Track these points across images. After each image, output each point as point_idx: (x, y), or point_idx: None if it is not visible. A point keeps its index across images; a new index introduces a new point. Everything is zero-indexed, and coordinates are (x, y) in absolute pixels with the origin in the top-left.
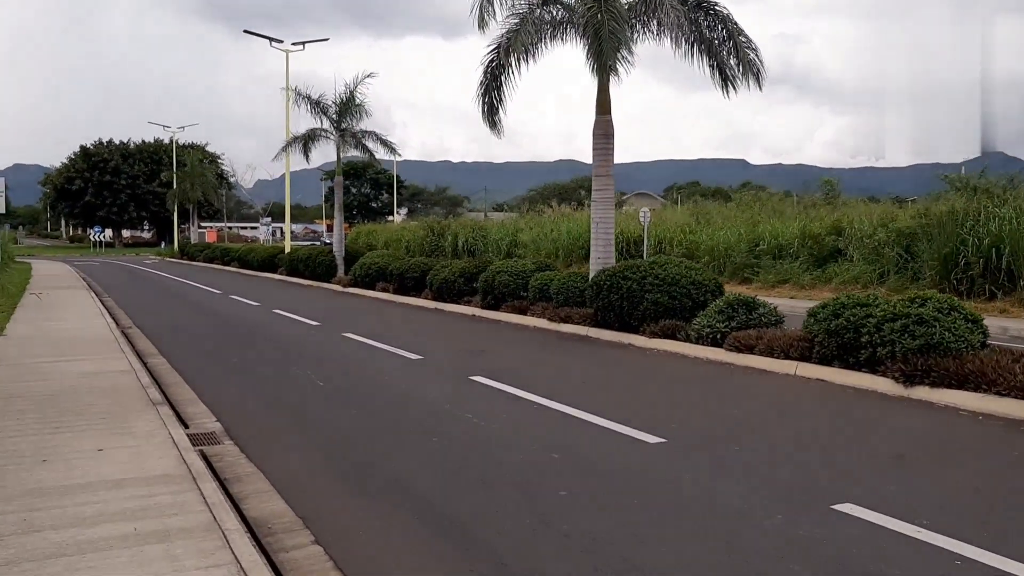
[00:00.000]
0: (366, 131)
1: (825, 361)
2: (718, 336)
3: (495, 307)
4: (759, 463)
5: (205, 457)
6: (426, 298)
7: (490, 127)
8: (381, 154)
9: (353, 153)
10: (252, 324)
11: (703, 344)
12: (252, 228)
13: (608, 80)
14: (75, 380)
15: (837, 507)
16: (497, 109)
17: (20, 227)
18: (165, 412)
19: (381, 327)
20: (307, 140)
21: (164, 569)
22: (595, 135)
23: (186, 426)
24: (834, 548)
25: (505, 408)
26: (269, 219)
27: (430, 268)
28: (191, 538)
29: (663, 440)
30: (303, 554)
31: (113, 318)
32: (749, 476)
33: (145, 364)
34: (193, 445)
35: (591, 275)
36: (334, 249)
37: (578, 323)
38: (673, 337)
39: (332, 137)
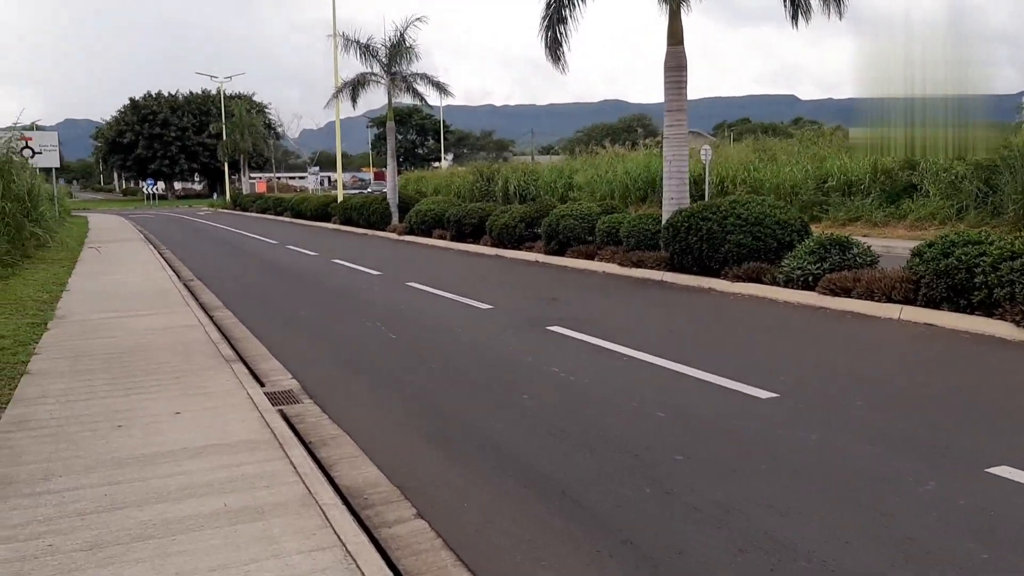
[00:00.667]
0: (417, 74)
1: (933, 304)
2: (810, 279)
3: (559, 252)
4: (889, 420)
5: (286, 418)
6: (485, 244)
7: (553, 62)
8: (432, 99)
9: (403, 99)
10: (313, 274)
11: (793, 287)
12: (300, 178)
13: (679, 7)
14: (143, 336)
15: (993, 471)
16: (561, 43)
17: (74, 181)
18: (239, 370)
19: (444, 276)
20: (356, 85)
21: (262, 554)
22: (667, 67)
23: (262, 384)
24: (1012, 521)
25: (592, 361)
26: (317, 168)
27: (489, 214)
28: (287, 514)
29: (775, 395)
30: (407, 530)
31: (174, 271)
32: (882, 436)
33: (211, 318)
34: (272, 405)
35: (664, 216)
36: (388, 197)
37: (652, 267)
38: (758, 280)
39: (382, 81)
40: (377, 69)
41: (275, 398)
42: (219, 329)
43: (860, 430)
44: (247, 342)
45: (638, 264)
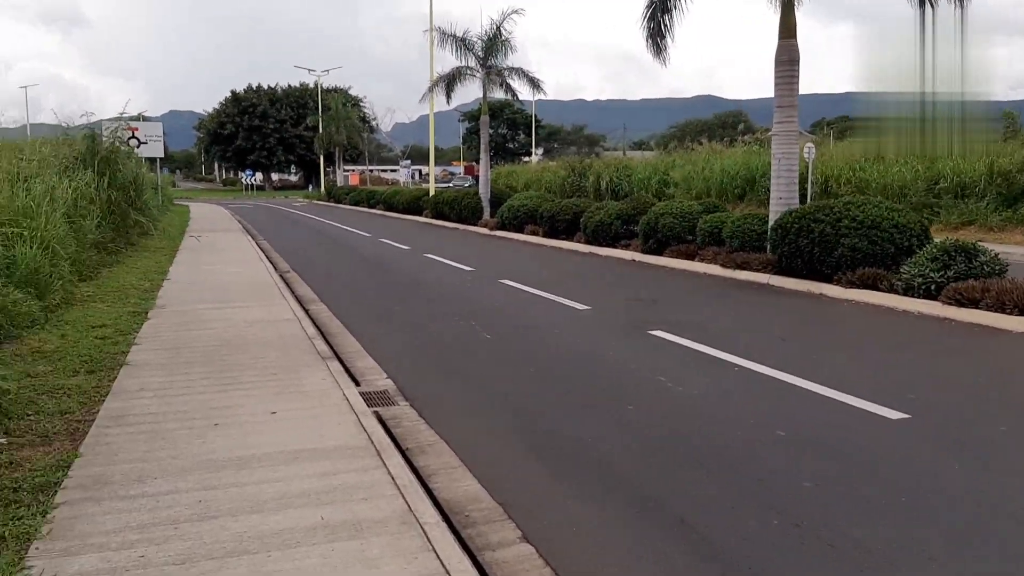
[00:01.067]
0: (512, 68)
1: None
2: (932, 287)
3: (657, 252)
4: None
5: (382, 421)
6: (579, 242)
7: (654, 54)
8: (525, 94)
9: (496, 94)
10: (406, 269)
11: (913, 296)
12: (392, 171)
13: None
14: (240, 329)
15: None
16: (664, 34)
17: (177, 171)
18: (335, 367)
19: (538, 273)
20: (451, 79)
21: None
22: (778, 61)
23: (357, 383)
24: None
25: (700, 370)
26: (408, 161)
27: (583, 210)
28: (386, 533)
29: (906, 416)
30: (512, 555)
31: (271, 262)
32: None
33: (307, 311)
34: (368, 406)
35: (771, 217)
36: (480, 191)
37: (757, 270)
38: (874, 287)
39: (477, 75)
40: (472, 63)
41: (371, 399)
42: (315, 323)
43: (1007, 460)
44: (342, 337)
45: (742, 266)
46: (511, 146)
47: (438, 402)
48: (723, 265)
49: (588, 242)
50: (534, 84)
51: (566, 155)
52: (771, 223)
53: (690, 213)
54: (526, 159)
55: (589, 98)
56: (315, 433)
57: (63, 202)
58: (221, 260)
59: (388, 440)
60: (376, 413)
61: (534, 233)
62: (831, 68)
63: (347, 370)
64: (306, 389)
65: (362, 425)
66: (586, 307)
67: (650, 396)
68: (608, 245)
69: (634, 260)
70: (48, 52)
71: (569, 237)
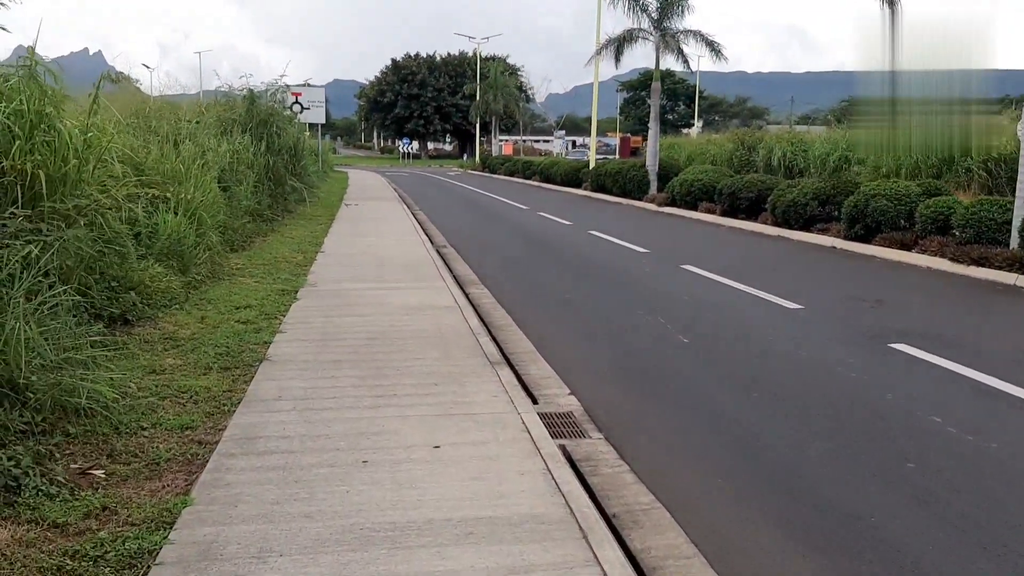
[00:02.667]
0: (689, 31)
1: None
2: None
3: (863, 239)
4: None
5: (574, 464)
6: (764, 223)
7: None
8: (700, 62)
9: (668, 61)
10: (570, 247)
11: None
12: (545, 141)
13: None
14: (396, 317)
15: None
16: None
17: (338, 138)
18: (507, 377)
19: (724, 259)
20: (621, 42)
21: None
22: None
23: (534, 400)
24: None
25: (988, 411)
26: (563, 132)
27: (771, 187)
28: None
29: None
30: None
31: (427, 234)
32: None
33: (468, 296)
34: (552, 436)
35: (1018, 206)
36: (647, 164)
37: (999, 267)
38: None
39: (651, 38)
40: (646, 24)
41: (554, 424)
42: (477, 313)
43: None
44: (509, 332)
45: (979, 262)
46: (670, 117)
47: (638, 435)
48: (952, 259)
49: (776, 224)
50: (713, 48)
51: (729, 128)
52: (1016, 212)
53: (907, 196)
54: (685, 131)
55: (750, 70)
56: (492, 486)
57: (216, 166)
58: (376, 231)
59: (591, 507)
60: (564, 449)
61: (710, 211)
62: None
63: (520, 380)
64: (475, 410)
65: (552, 476)
66: (797, 305)
67: (932, 447)
68: (800, 228)
69: (834, 247)
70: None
71: (751, 217)
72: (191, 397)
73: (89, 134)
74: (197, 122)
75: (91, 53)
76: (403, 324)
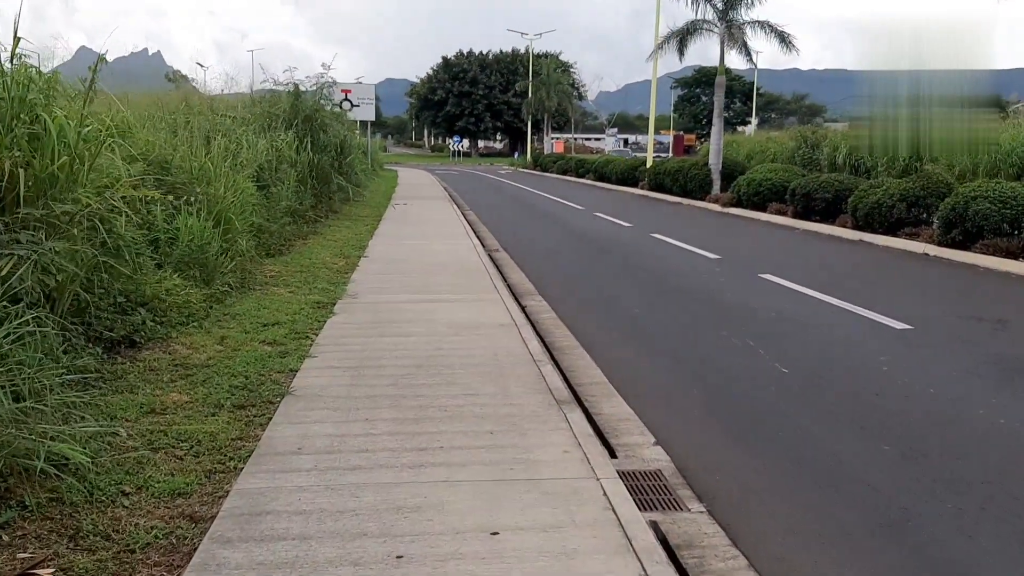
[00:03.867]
0: (758, 22)
1: None
2: None
3: (962, 245)
4: None
5: (672, 555)
6: (843, 226)
7: None
8: (758, 58)
9: (732, 57)
10: (633, 252)
11: None
12: (597, 139)
13: None
14: (444, 338)
15: None
16: None
17: (389, 136)
18: (578, 424)
19: (807, 267)
20: (684, 35)
21: None
22: None
23: (613, 454)
24: None
25: None
26: (615, 130)
27: (850, 188)
28: None
29: None
30: None
31: (478, 237)
32: None
33: (524, 310)
34: (640, 505)
35: None
36: (711, 162)
37: None
38: None
39: (715, 30)
40: (710, 15)
41: (640, 489)
42: (537, 332)
43: None
44: (574, 357)
45: None
46: (727, 114)
47: (752, 504)
48: None
49: (856, 227)
50: (783, 40)
51: (785, 126)
52: None
53: (1014, 198)
54: (741, 128)
55: (804, 67)
56: None
57: (253, 163)
58: (424, 234)
59: None
60: (656, 528)
61: (780, 213)
62: None
63: (593, 423)
64: (542, 472)
65: None
66: (906, 326)
67: None
68: (885, 232)
69: (927, 254)
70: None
71: (827, 220)
72: (191, 448)
73: (87, 128)
74: (233, 118)
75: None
76: (452, 347)
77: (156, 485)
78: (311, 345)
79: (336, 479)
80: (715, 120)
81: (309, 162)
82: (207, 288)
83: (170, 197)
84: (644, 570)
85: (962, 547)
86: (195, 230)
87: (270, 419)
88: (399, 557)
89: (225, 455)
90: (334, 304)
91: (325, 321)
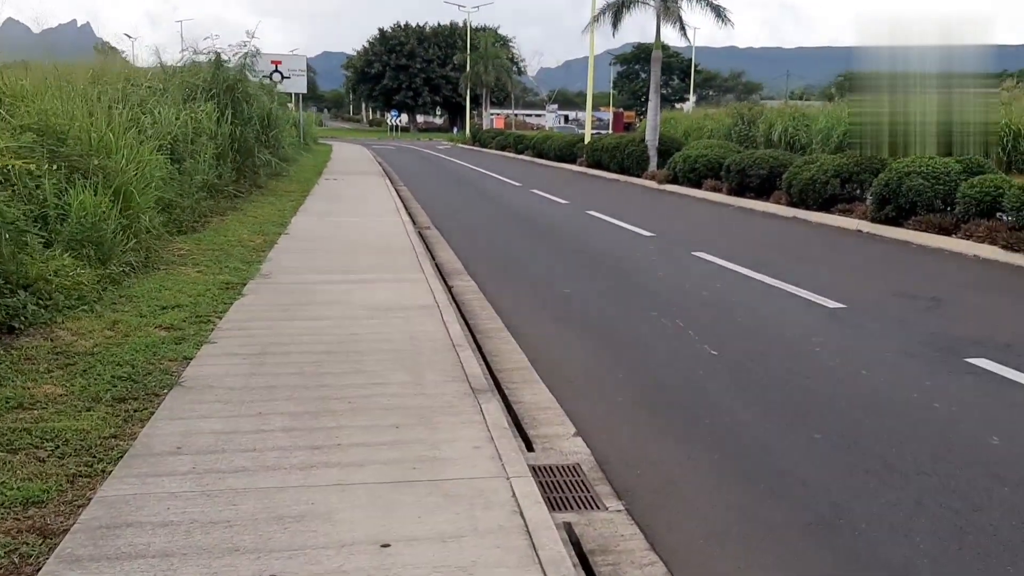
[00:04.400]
0: None
1: None
2: None
3: (894, 222)
4: None
5: (584, 561)
6: (777, 203)
7: None
8: (695, 35)
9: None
10: (567, 231)
11: None
12: (537, 115)
13: None
14: (359, 323)
15: None
16: None
17: (325, 110)
18: (493, 415)
19: (740, 244)
20: (620, 8)
21: None
22: None
23: (529, 445)
24: None
25: None
26: (555, 106)
27: (785, 165)
28: None
29: None
30: None
31: (409, 214)
32: None
33: (451, 291)
34: (553, 505)
35: None
36: (647, 138)
37: None
38: None
39: (652, 3)
40: None
41: (555, 486)
42: (461, 315)
43: None
44: (499, 341)
45: None
46: (665, 91)
47: (674, 501)
48: (1006, 247)
49: (791, 204)
50: (719, 14)
51: (723, 103)
52: None
53: (946, 174)
54: (679, 105)
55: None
56: None
57: (166, 135)
58: (352, 210)
59: None
60: (570, 531)
61: (715, 189)
62: None
63: (512, 413)
64: (448, 472)
65: None
66: (837, 304)
67: None
68: (820, 209)
69: (860, 231)
70: None
71: (761, 196)
72: (56, 448)
73: None
74: (149, 87)
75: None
76: (367, 331)
77: (7, 493)
78: (212, 330)
79: (214, 483)
80: (652, 96)
81: (231, 135)
82: (103, 268)
83: (62, 170)
84: None
85: (898, 548)
86: (88, 205)
87: (152, 414)
88: None
89: (94, 456)
90: (244, 285)
91: (231, 303)
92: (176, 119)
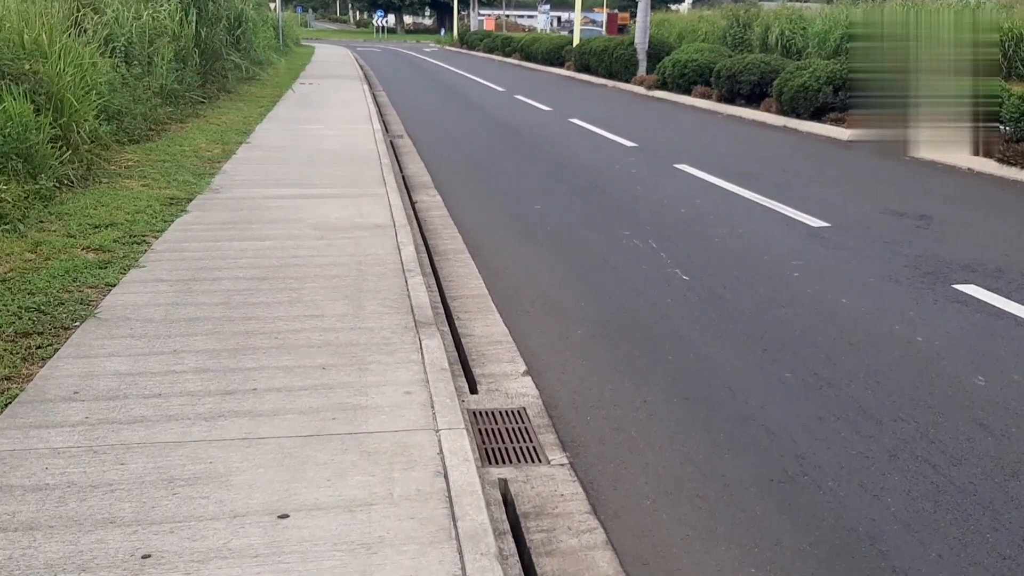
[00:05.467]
0: None
1: None
2: None
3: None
4: None
5: (516, 532)
6: (768, 111)
7: None
8: None
9: None
10: (546, 140)
11: None
12: (530, 16)
13: None
14: (304, 242)
15: None
16: None
17: (311, 10)
18: (433, 352)
19: (726, 156)
20: None
21: None
22: None
23: (472, 386)
24: None
25: None
26: (547, 7)
27: (777, 71)
28: None
29: None
30: None
31: (383, 121)
32: None
33: (413, 205)
34: (490, 457)
35: None
36: (636, 41)
37: None
38: None
39: None
40: None
41: (496, 435)
42: (421, 233)
43: None
44: (456, 264)
45: None
46: None
47: (625, 452)
48: (1002, 160)
49: (782, 112)
50: None
51: (721, 5)
52: None
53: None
54: (675, 7)
55: None
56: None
57: (120, 37)
58: (323, 117)
59: None
60: (505, 488)
61: (705, 96)
62: None
63: (459, 347)
64: (371, 424)
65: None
66: (822, 223)
67: None
68: (810, 118)
69: (851, 142)
70: None
71: (752, 104)
72: None
73: None
74: None
75: None
76: (311, 253)
77: None
78: (145, 252)
79: (105, 437)
80: None
81: (194, 36)
82: (32, 183)
83: None
84: (463, 568)
85: (865, 509)
86: (13, 114)
87: (57, 351)
88: (145, 557)
89: None
90: (190, 200)
91: (172, 221)
92: (137, 19)
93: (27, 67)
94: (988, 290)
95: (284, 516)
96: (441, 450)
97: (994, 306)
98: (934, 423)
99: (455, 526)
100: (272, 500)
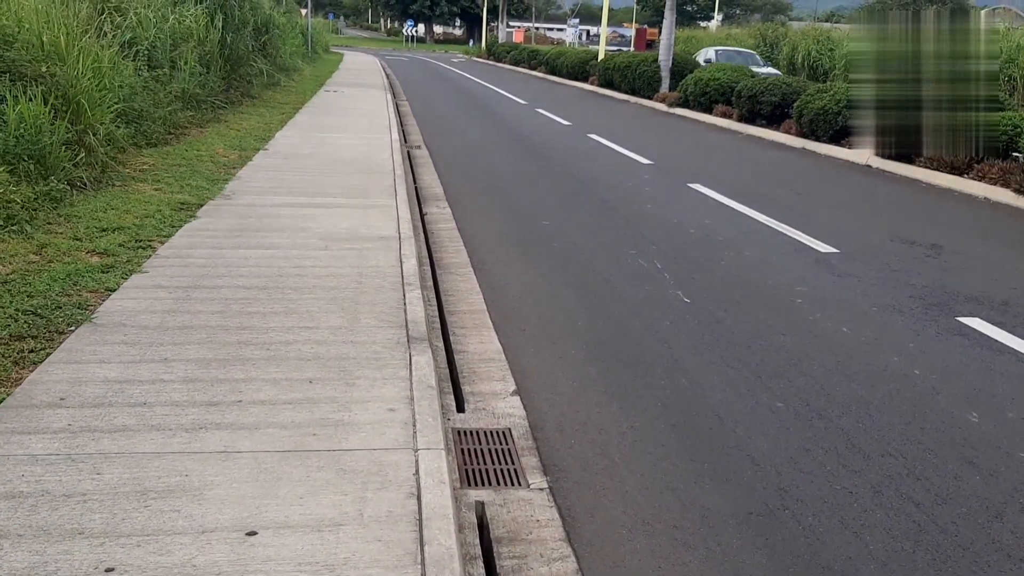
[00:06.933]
0: None
1: None
2: None
3: (907, 158)
4: None
5: (488, 552)
6: (787, 132)
7: None
8: None
9: None
10: (564, 155)
11: None
12: (559, 30)
13: None
14: (307, 253)
15: None
16: None
17: (344, 18)
18: (422, 369)
19: (741, 177)
20: None
21: None
22: None
23: (460, 404)
24: None
25: None
26: (576, 20)
27: (798, 91)
28: None
29: None
30: None
31: (402, 131)
32: None
33: (423, 217)
34: (469, 484)
35: None
36: (660, 58)
37: None
38: None
39: None
40: None
41: (478, 456)
42: (427, 245)
43: None
44: (458, 279)
45: None
46: (689, 9)
47: (607, 481)
48: (1018, 190)
49: (801, 134)
50: None
51: (750, 23)
52: None
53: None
54: (704, 24)
55: None
56: None
57: (144, 40)
58: (343, 126)
59: None
60: (481, 512)
61: (725, 115)
62: None
63: (451, 364)
64: (350, 441)
65: None
66: (831, 248)
67: None
68: (829, 141)
69: (869, 166)
70: None
71: (772, 124)
72: None
73: None
74: None
75: None
76: (313, 264)
77: None
78: (150, 257)
79: (85, 446)
80: (667, 13)
81: (220, 41)
82: (43, 184)
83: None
84: None
85: (844, 547)
86: (27, 116)
87: (48, 356)
88: (108, 571)
89: None
90: (201, 206)
91: (180, 227)
92: (164, 22)
93: (44, 69)
94: (992, 323)
95: (252, 533)
96: (417, 471)
97: (996, 340)
98: (922, 459)
99: (422, 550)
100: (242, 516)
